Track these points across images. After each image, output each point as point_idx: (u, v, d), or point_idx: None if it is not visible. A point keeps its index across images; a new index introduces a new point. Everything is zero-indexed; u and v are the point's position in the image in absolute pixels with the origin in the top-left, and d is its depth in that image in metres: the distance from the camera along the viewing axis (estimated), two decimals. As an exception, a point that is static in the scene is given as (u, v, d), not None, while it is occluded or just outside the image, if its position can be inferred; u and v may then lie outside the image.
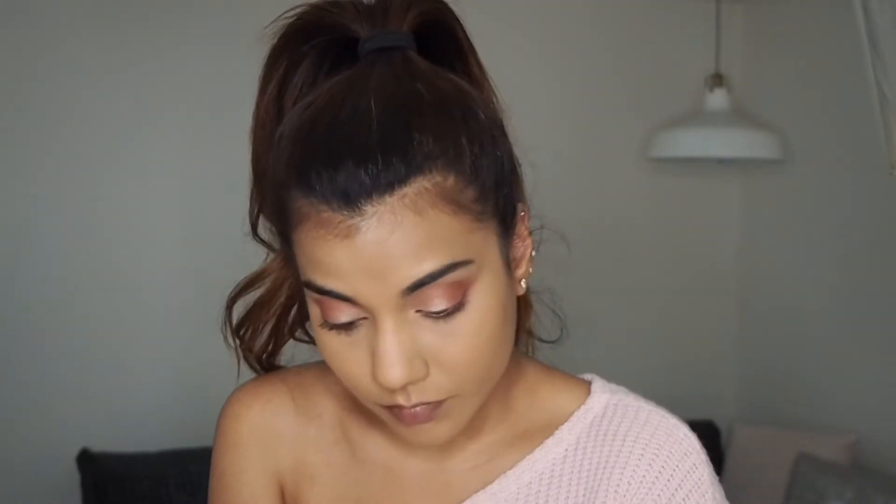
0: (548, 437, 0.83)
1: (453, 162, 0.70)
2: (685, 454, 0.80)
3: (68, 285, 3.14)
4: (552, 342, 0.84)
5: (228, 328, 0.87)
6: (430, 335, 0.72)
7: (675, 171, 3.80)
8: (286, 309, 0.86)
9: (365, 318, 0.72)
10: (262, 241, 0.85)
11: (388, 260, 0.69)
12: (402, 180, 0.68)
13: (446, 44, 0.79)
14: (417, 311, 0.71)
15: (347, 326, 0.73)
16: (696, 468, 0.80)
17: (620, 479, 0.79)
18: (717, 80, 3.34)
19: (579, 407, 0.84)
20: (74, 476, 3.04)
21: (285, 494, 0.88)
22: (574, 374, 0.89)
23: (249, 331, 0.87)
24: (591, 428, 0.83)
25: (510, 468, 0.83)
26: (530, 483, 0.82)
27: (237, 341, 0.87)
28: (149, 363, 3.23)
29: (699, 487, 0.79)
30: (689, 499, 0.79)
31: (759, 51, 3.81)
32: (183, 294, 3.21)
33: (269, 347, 0.88)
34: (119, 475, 2.97)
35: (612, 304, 3.69)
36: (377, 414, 0.78)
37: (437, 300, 0.71)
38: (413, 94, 0.71)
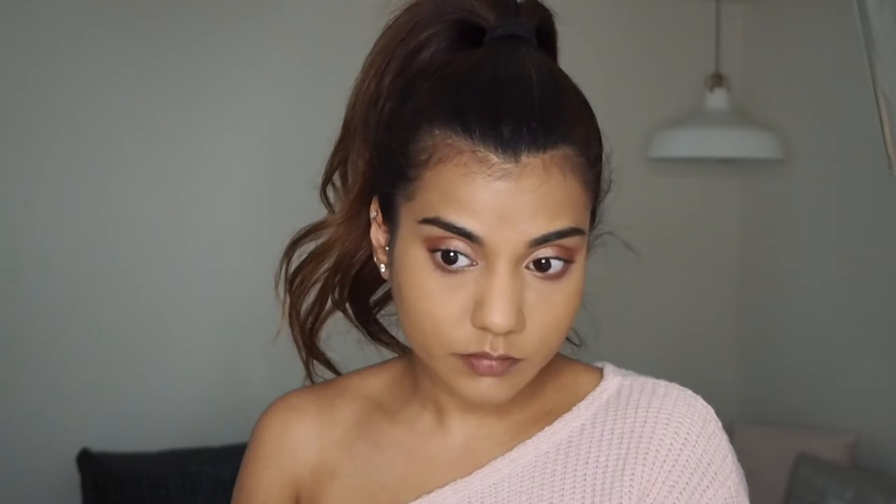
0: (566, 412, 0.87)
1: (585, 143, 0.79)
2: (705, 422, 0.86)
3: (69, 286, 3.15)
4: (576, 344, 0.90)
5: (284, 275, 0.91)
6: (533, 294, 0.77)
7: (675, 171, 3.80)
8: (332, 275, 0.90)
9: (474, 265, 0.76)
10: (326, 200, 0.90)
11: (527, 209, 0.74)
12: (555, 143, 0.75)
13: (550, 51, 0.87)
14: (528, 268, 0.76)
15: (456, 270, 0.76)
16: (715, 434, 0.85)
17: (649, 448, 0.84)
18: (717, 80, 3.34)
19: (595, 388, 0.89)
20: (74, 476, 3.04)
21: (302, 497, 0.91)
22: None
23: (300, 281, 0.90)
24: (608, 405, 0.87)
25: (529, 439, 0.87)
26: (548, 452, 0.86)
27: (287, 296, 0.91)
28: (149, 363, 3.23)
29: (720, 451, 0.85)
30: (713, 463, 0.84)
31: (759, 51, 3.81)
32: (183, 294, 3.21)
33: (314, 313, 0.91)
34: (119, 475, 2.97)
35: (611, 304, 3.68)
36: (439, 369, 0.79)
37: (553, 259, 0.76)
38: (559, 75, 0.80)
